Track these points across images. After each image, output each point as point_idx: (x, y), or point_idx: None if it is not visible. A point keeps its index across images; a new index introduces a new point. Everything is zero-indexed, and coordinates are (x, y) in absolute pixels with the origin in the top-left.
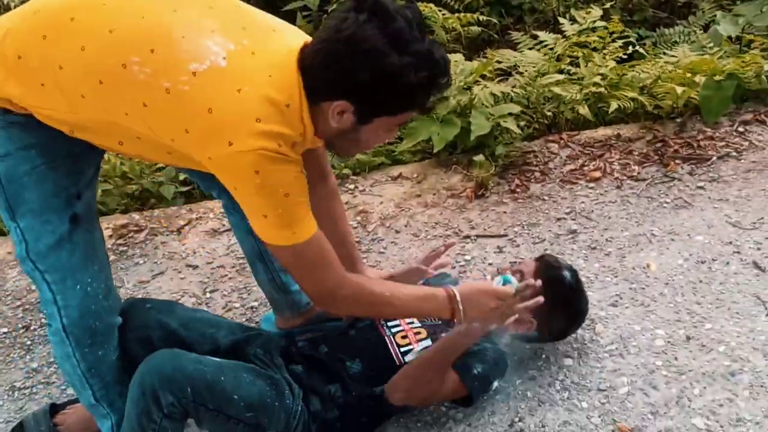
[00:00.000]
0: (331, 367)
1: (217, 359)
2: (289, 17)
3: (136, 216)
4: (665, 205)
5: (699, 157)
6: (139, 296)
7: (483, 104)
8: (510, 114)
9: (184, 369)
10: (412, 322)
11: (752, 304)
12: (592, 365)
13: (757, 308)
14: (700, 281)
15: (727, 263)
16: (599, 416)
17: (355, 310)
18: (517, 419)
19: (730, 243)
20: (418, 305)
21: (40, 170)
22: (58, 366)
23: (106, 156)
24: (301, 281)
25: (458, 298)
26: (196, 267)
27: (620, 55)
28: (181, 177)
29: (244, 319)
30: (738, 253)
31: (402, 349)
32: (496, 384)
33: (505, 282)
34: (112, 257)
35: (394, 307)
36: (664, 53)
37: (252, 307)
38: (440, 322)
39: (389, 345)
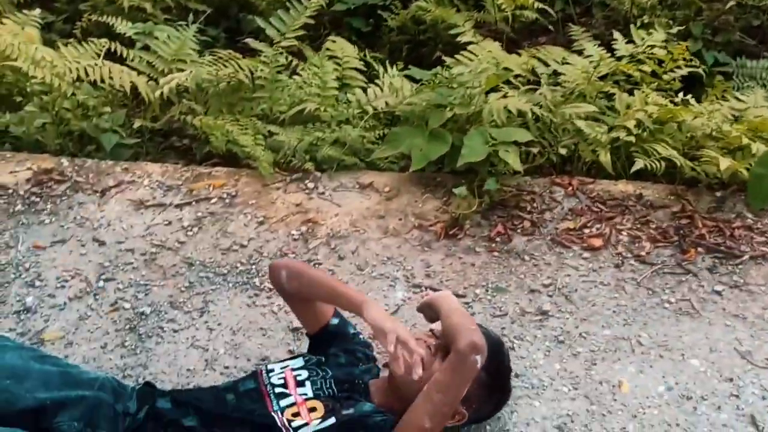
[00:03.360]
0: None
1: None
2: None
3: (65, 162)
4: (667, 305)
5: (728, 252)
6: (28, 265)
7: (493, 119)
8: (515, 143)
9: None
10: (305, 394)
11: None
12: None
13: None
14: (678, 424)
15: (719, 408)
16: None
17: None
18: None
19: (731, 380)
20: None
21: None
22: None
23: (48, 80)
24: None
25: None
26: (103, 243)
27: (673, 88)
28: (136, 125)
29: (127, 327)
30: (737, 397)
31: (294, 424)
32: None
33: None
34: (19, 207)
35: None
36: (733, 95)
37: (142, 313)
38: (339, 393)
39: (277, 422)
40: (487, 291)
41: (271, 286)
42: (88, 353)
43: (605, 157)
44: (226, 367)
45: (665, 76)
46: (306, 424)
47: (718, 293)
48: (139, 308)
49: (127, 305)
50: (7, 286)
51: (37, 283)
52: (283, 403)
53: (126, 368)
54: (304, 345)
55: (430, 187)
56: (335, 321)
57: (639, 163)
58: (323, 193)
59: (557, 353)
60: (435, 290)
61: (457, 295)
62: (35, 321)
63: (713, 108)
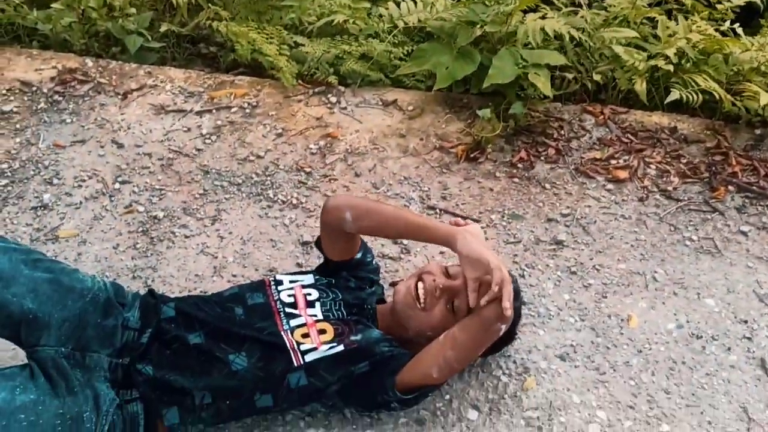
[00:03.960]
0: (205, 359)
1: None
2: None
3: (89, 62)
4: (688, 243)
5: (760, 192)
6: (47, 163)
7: (528, 41)
8: (547, 66)
9: None
10: (315, 315)
11: (734, 417)
12: (499, 430)
13: (737, 424)
14: (684, 362)
15: (729, 349)
16: None
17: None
18: None
19: (746, 322)
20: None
21: None
22: None
23: None
24: None
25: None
26: (121, 146)
27: (726, 19)
28: (162, 29)
29: (140, 230)
30: (749, 339)
31: (302, 347)
32: None
33: None
34: (42, 105)
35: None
36: None
37: (155, 217)
38: (348, 317)
39: (286, 342)
40: (503, 217)
41: (285, 199)
42: (100, 252)
43: (641, 86)
44: (234, 275)
45: (719, 6)
46: (314, 349)
47: (744, 234)
48: (153, 212)
49: (141, 208)
50: (26, 182)
51: (55, 181)
52: (293, 323)
53: (136, 269)
54: (312, 258)
55: (455, 109)
56: (359, 255)
57: (674, 94)
58: (345, 108)
59: (568, 284)
60: (452, 214)
61: (472, 220)
62: (51, 218)
63: (765, 41)
